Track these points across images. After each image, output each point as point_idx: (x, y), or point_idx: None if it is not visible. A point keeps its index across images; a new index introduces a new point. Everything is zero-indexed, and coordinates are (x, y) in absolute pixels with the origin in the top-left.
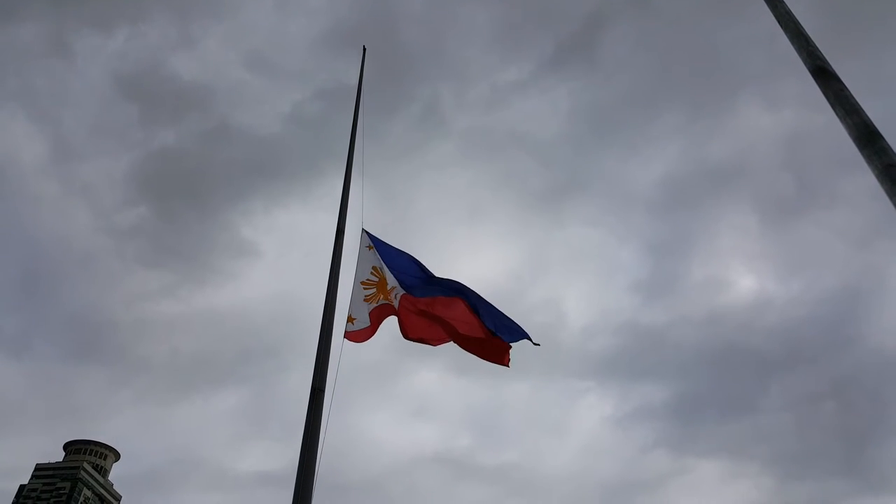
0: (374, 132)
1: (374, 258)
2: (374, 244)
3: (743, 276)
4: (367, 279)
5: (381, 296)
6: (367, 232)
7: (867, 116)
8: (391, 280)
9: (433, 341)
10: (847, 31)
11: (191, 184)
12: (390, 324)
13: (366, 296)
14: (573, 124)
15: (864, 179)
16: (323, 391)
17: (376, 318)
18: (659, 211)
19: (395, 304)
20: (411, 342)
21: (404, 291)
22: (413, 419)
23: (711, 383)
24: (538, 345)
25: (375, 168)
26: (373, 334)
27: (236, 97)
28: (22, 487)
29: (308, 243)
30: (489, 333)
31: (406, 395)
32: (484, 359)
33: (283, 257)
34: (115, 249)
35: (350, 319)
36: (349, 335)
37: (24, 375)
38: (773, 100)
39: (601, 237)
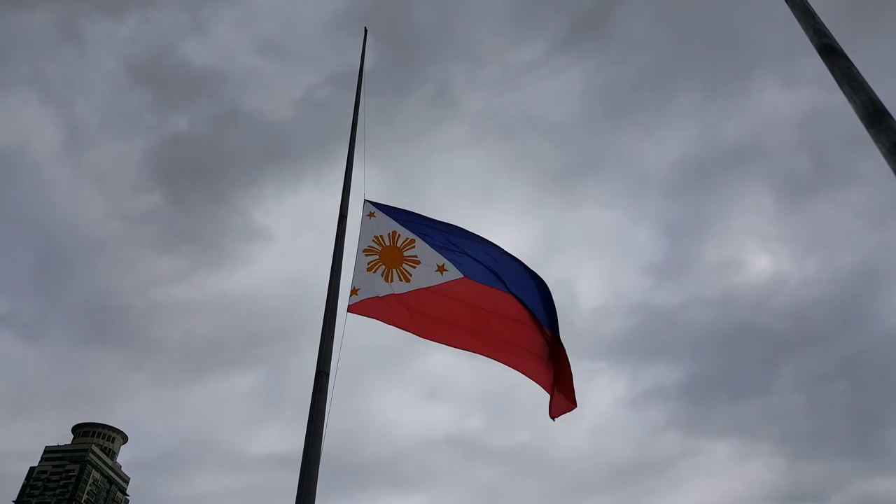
0: (385, 114)
1: (378, 225)
2: (383, 210)
3: (757, 256)
4: (370, 247)
5: (387, 266)
6: (369, 202)
7: (875, 94)
8: (428, 251)
9: (462, 345)
10: (860, 9)
11: (203, 169)
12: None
13: (368, 264)
14: (587, 105)
15: (880, 158)
16: (328, 374)
17: (395, 305)
18: (674, 192)
19: (440, 280)
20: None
21: (462, 275)
22: (425, 400)
23: (723, 364)
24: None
25: (386, 150)
26: (381, 316)
27: (248, 82)
28: (32, 470)
29: (319, 227)
30: (542, 333)
31: (418, 377)
32: (543, 385)
33: (295, 241)
34: (128, 235)
35: (353, 291)
36: (353, 308)
37: (38, 359)
38: (789, 79)
39: (615, 218)
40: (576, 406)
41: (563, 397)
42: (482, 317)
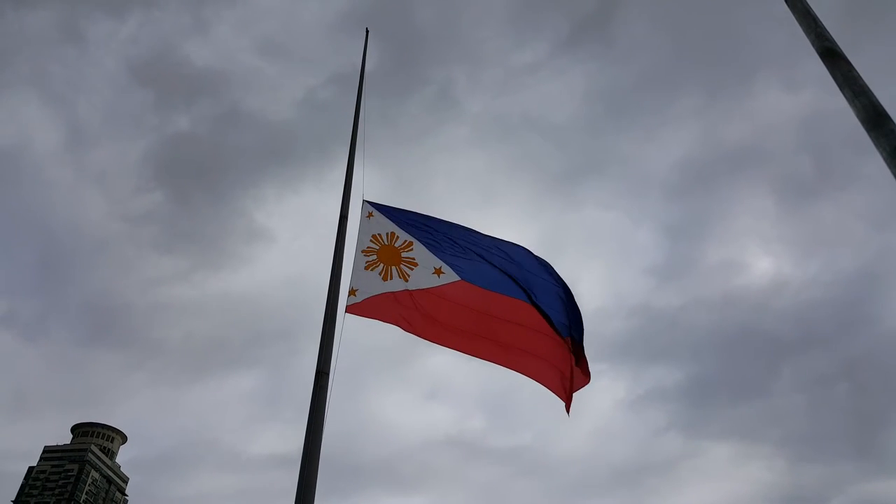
0: (387, 116)
1: (376, 225)
2: (381, 211)
3: (759, 258)
4: (368, 247)
5: (385, 263)
6: (367, 202)
7: (875, 98)
8: (426, 254)
9: (471, 351)
10: (861, 12)
11: (204, 169)
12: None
13: (366, 263)
14: (589, 106)
15: (882, 161)
16: (327, 374)
17: (393, 303)
18: (675, 193)
19: (437, 283)
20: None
21: (459, 278)
22: (426, 401)
23: (724, 366)
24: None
25: (388, 151)
26: (379, 315)
27: (249, 83)
28: (31, 469)
29: (320, 228)
30: (562, 341)
31: (419, 378)
32: (549, 386)
33: (296, 242)
34: (129, 235)
35: (352, 292)
36: (351, 308)
37: (38, 359)
38: (791, 81)
39: (617, 220)
40: (589, 380)
41: (580, 372)
42: (481, 320)
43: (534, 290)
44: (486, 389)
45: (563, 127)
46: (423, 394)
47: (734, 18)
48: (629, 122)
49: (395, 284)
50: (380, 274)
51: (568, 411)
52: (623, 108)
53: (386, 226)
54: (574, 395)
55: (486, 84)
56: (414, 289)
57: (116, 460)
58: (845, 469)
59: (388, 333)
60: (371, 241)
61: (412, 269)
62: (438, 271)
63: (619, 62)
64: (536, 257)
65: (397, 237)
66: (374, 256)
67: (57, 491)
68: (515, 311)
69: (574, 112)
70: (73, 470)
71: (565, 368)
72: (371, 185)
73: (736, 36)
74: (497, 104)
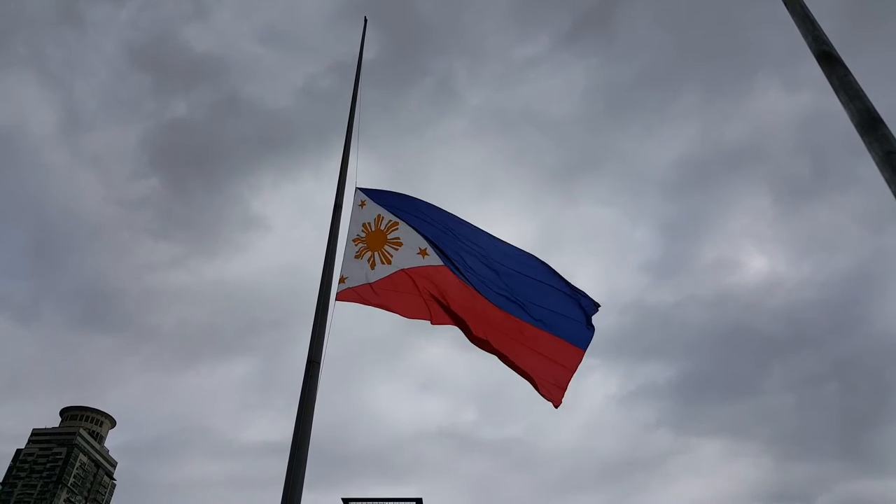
0: (386, 107)
1: (367, 214)
2: (373, 197)
3: (754, 257)
4: (358, 236)
5: (371, 250)
6: (360, 189)
7: (870, 103)
8: (412, 235)
9: (473, 328)
10: (860, 16)
11: (201, 156)
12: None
13: (356, 252)
14: (588, 102)
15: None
16: (318, 364)
17: (389, 286)
18: (673, 191)
19: (421, 263)
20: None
21: (441, 263)
22: (419, 393)
23: (716, 363)
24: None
25: (386, 142)
26: (368, 300)
27: (249, 69)
28: (19, 452)
29: (317, 217)
30: (559, 342)
31: (413, 369)
32: (539, 387)
33: (292, 230)
34: (124, 220)
35: (341, 279)
36: (340, 295)
37: (32, 342)
38: (791, 82)
39: (614, 216)
40: (575, 368)
41: (562, 368)
42: (461, 312)
43: (531, 302)
44: (479, 382)
45: (563, 122)
46: (416, 385)
47: (736, 18)
48: (629, 119)
49: (380, 271)
50: (368, 261)
51: (558, 404)
52: (623, 104)
53: (374, 211)
54: (563, 389)
55: (487, 77)
56: (397, 270)
57: (105, 444)
58: (831, 468)
59: (383, 324)
60: (361, 229)
61: (397, 250)
62: (423, 252)
63: (620, 59)
64: (545, 266)
65: (383, 218)
66: (364, 245)
67: (45, 474)
68: (502, 320)
69: (574, 108)
70: (61, 453)
71: (549, 377)
72: (368, 176)
73: (737, 35)
74: (497, 98)
